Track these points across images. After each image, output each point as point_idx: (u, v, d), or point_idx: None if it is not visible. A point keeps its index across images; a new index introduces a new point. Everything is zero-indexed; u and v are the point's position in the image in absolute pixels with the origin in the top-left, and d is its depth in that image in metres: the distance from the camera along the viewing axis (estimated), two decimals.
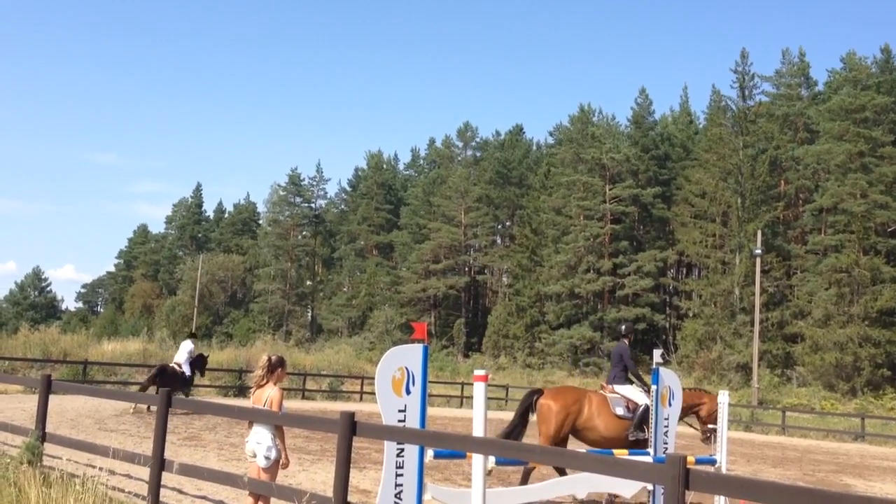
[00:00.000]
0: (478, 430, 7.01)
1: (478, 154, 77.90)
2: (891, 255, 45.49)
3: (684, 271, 61.79)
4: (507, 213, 71.36)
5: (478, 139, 78.93)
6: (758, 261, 41.86)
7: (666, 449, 9.75)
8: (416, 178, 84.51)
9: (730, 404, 32.13)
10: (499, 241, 73.09)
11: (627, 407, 11.00)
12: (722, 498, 8.87)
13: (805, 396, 40.88)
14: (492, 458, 7.71)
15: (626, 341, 11.87)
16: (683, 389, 11.70)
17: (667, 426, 9.85)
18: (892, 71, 56.77)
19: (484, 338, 60.45)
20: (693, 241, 50.99)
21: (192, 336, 22.90)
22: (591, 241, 56.09)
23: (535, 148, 78.33)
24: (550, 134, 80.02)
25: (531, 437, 10.79)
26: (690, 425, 12.02)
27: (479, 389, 7.17)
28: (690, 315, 51.53)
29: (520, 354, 55.19)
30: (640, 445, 10.95)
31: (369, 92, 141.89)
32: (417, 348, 7.58)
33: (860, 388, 41.43)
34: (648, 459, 8.75)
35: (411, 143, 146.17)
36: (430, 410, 29.34)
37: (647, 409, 10.85)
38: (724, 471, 9.16)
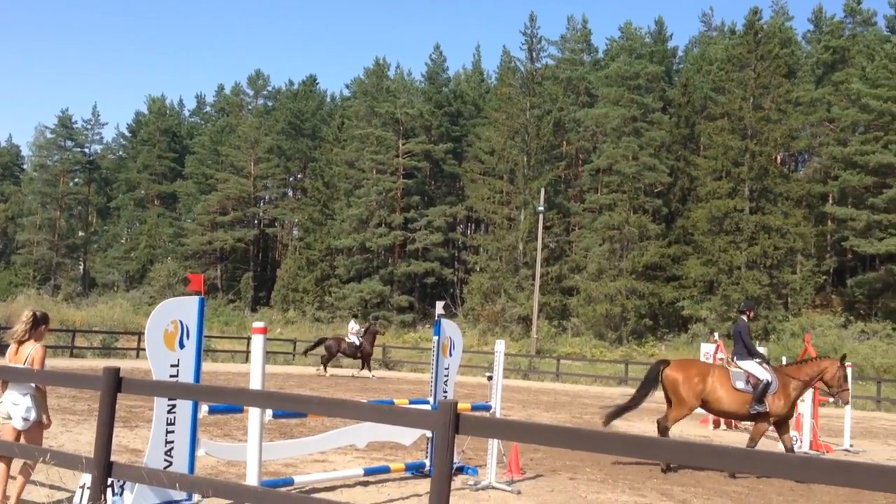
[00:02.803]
0: (255, 383, 6.76)
1: (269, 104, 75.62)
2: (656, 214, 49.30)
3: (473, 227, 63.72)
4: (299, 165, 70.07)
5: (269, 88, 76.59)
6: (540, 217, 43.97)
7: (445, 397, 9.92)
8: (203, 126, 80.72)
9: (510, 354, 33.36)
10: (290, 193, 71.68)
11: (748, 381, 11.33)
12: (495, 441, 9.17)
13: (578, 345, 43.76)
14: (269, 411, 7.46)
15: (747, 317, 12.12)
16: (806, 360, 12.31)
17: (447, 375, 10.02)
18: (664, 42, 61.10)
19: (273, 291, 59.38)
20: (482, 198, 52.54)
21: None
22: (383, 196, 56.37)
23: (329, 100, 77.17)
24: (346, 86, 79.21)
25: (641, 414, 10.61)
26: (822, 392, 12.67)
27: (257, 342, 6.93)
28: (477, 269, 53.31)
29: (309, 308, 54.77)
30: (759, 418, 11.43)
31: (151, 33, 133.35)
32: (193, 300, 7.21)
33: (626, 336, 44.92)
34: (428, 408, 8.84)
35: (197, 89, 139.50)
36: (215, 366, 28.52)
37: (767, 384, 11.23)
38: (498, 416, 9.46)
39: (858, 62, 49.86)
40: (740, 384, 11.34)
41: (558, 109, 54.92)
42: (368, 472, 9.18)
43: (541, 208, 43.64)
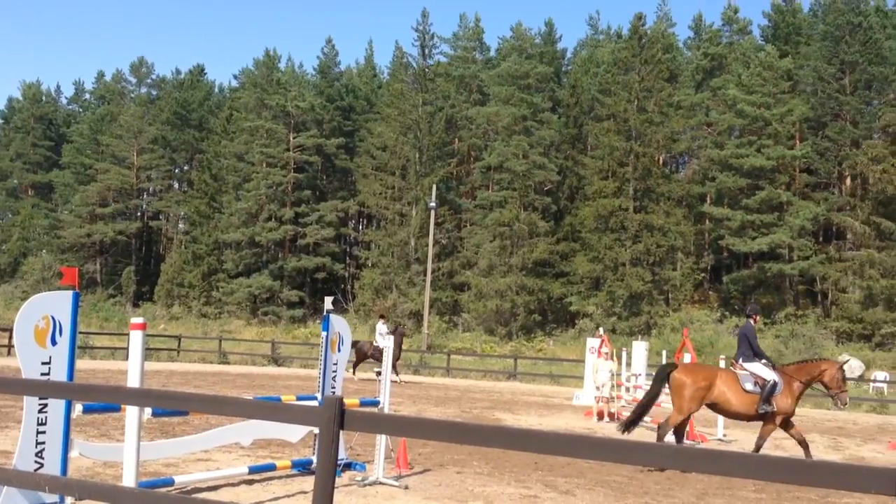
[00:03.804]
0: (133, 381, 6.50)
1: (153, 92, 73.13)
2: (546, 212, 50.34)
3: (364, 222, 63.44)
4: (186, 156, 68.04)
5: (154, 76, 74.08)
6: (432, 214, 44.18)
7: (334, 393, 9.83)
8: (82, 114, 77.28)
9: (402, 350, 32.96)
10: (176, 185, 69.53)
11: (756, 383, 11.48)
12: (383, 437, 9.14)
13: (469, 341, 44.26)
14: (148, 410, 7.22)
15: (753, 321, 12.34)
16: (806, 361, 12.55)
17: (335, 371, 9.92)
18: (553, 43, 62.42)
19: (156, 286, 57.46)
20: (373, 193, 52.39)
21: None
22: (273, 190, 55.38)
23: (217, 91, 75.22)
24: (235, 77, 77.46)
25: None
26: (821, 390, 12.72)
27: (135, 338, 6.67)
28: (369, 265, 53.12)
29: (195, 304, 53.28)
30: (767, 418, 11.59)
31: (25, 14, 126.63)
32: (66, 295, 6.90)
33: (515, 331, 45.71)
34: (315, 404, 8.74)
35: (75, 75, 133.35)
36: (94, 363, 27.36)
37: (774, 384, 11.40)
38: (386, 411, 9.44)
39: (735, 69, 52.24)
40: (749, 386, 11.65)
41: (450, 106, 55.33)
42: (253, 469, 9.01)
43: (432, 204, 43.86)
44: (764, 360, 11.95)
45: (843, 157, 47.67)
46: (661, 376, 12.08)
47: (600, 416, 17.91)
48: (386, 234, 51.20)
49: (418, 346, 41.15)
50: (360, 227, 62.93)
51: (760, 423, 12.01)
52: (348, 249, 60.64)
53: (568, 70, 63.40)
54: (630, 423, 12.01)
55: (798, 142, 48.34)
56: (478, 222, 51.77)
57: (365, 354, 26.36)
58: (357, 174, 56.74)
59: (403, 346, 28.10)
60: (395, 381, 25.70)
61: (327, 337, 9.73)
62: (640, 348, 22.26)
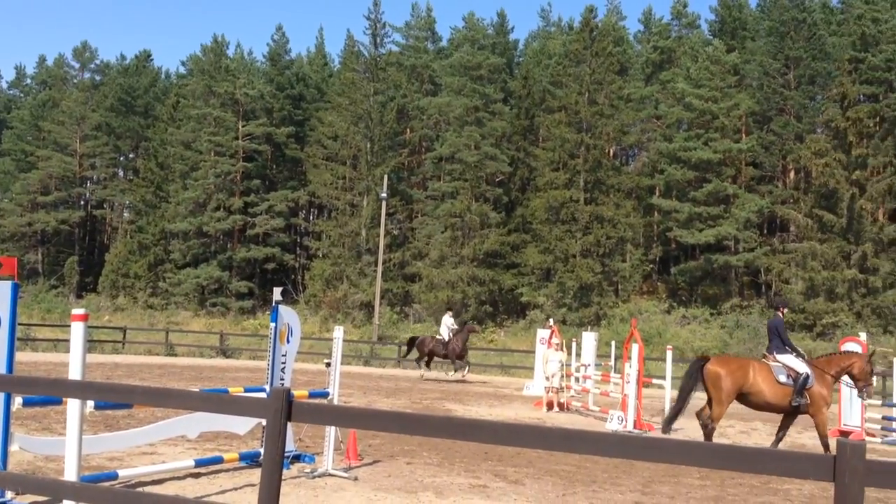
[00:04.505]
0: (74, 373, 6.37)
1: (97, 78, 71.46)
2: (497, 203, 50.48)
3: (315, 212, 62.94)
4: (131, 144, 66.67)
5: (97, 62, 72.38)
6: (383, 204, 44.00)
7: (283, 385, 9.75)
8: (23, 99, 75.24)
9: (352, 340, 33.24)
10: (121, 173, 68.15)
11: (789, 375, 11.57)
12: (333, 428, 9.10)
13: (420, 331, 44.15)
14: (90, 403, 7.08)
15: (781, 314, 12.37)
16: (834, 354, 12.64)
17: (284, 363, 9.85)
18: (505, 34, 62.55)
19: (101, 277, 56.29)
20: (324, 183, 51.95)
21: None
22: (222, 179, 54.60)
23: (163, 77, 73.83)
24: (183, 63, 76.04)
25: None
26: (846, 384, 12.90)
27: (77, 330, 6.54)
28: (319, 255, 52.75)
29: (141, 294, 52.33)
30: (800, 411, 11.74)
31: None
32: (4, 286, 6.75)
33: (467, 322, 45.77)
34: (263, 396, 8.65)
35: (16, 59, 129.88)
36: (35, 356, 26.78)
37: (807, 376, 11.48)
38: (336, 403, 9.40)
39: (683, 63, 52.93)
40: (782, 378, 11.78)
41: (402, 96, 55.12)
42: (200, 462, 8.92)
43: (384, 195, 43.70)
44: (795, 353, 12.12)
45: (788, 151, 48.69)
46: (695, 370, 12.19)
47: (550, 406, 18.07)
48: (337, 225, 50.84)
49: (369, 336, 41.05)
50: (311, 217, 62.43)
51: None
52: (299, 240, 60.14)
53: (520, 61, 63.60)
54: (670, 421, 12.21)
55: (744, 135, 49.20)
56: (429, 213, 51.72)
57: (428, 350, 25.08)
58: (307, 164, 56.20)
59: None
60: (460, 378, 25.11)
61: (276, 328, 9.65)
62: (589, 339, 22.48)
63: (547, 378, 18.39)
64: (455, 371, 25.19)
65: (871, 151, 41.80)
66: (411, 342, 26.75)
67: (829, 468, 3.36)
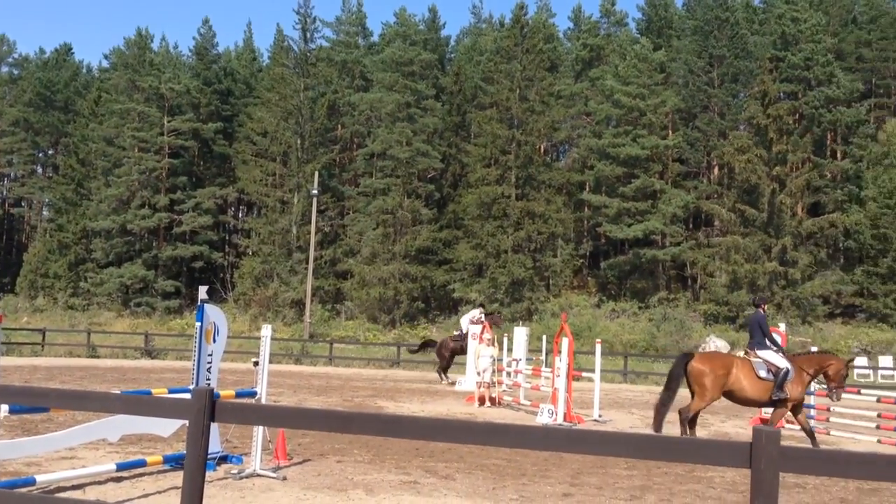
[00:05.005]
0: None
1: (15, 72, 69.06)
2: (429, 199, 50.52)
3: (245, 209, 62.00)
4: (50, 140, 64.59)
5: (16, 55, 69.97)
6: (314, 201, 43.59)
7: (209, 384, 9.55)
8: None
9: (283, 339, 32.73)
10: (39, 170, 65.99)
11: (769, 370, 11.81)
12: (260, 428, 8.96)
13: (352, 329, 44.01)
14: (4, 407, 6.82)
15: (762, 310, 12.68)
16: (812, 353, 13.10)
17: (210, 362, 9.64)
18: (437, 30, 62.60)
19: (18, 277, 54.38)
20: (254, 180, 51.16)
21: None
22: (146, 175, 53.26)
23: (85, 71, 71.70)
24: (105, 57, 74.04)
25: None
26: (820, 383, 13.17)
27: None
28: (249, 253, 51.97)
29: (61, 295, 50.68)
30: (781, 404, 12.01)
31: None
32: None
33: (399, 319, 45.76)
34: (187, 396, 8.45)
35: None
36: None
37: (787, 371, 11.74)
38: (264, 402, 9.24)
39: (612, 60, 53.82)
40: (763, 373, 12.06)
41: (333, 92, 54.66)
42: (122, 466, 8.67)
43: (315, 192, 43.28)
44: (776, 349, 12.41)
45: (712, 148, 49.97)
46: (680, 367, 12.38)
47: (482, 401, 18.14)
48: (267, 222, 50.14)
49: (300, 334, 40.65)
50: (240, 214, 61.46)
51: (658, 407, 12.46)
52: (227, 237, 59.17)
53: (451, 58, 63.73)
54: (660, 423, 12.34)
55: (670, 132, 50.34)
56: (361, 210, 51.43)
57: (450, 351, 23.67)
58: (236, 160, 55.27)
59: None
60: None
61: (202, 327, 9.46)
62: (520, 334, 22.66)
63: (478, 373, 18.46)
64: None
65: (790, 148, 43.17)
66: (424, 345, 26.01)
67: (746, 455, 3.42)
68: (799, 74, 47.48)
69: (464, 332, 23.89)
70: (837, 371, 12.47)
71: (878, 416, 14.59)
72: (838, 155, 50.82)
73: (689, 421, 12.29)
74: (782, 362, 12.18)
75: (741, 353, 13.15)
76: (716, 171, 53.26)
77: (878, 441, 13.83)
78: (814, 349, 16.79)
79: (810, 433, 12.53)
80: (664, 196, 47.14)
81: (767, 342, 12.42)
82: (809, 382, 12.66)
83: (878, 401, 15.17)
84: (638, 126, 48.06)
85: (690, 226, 52.08)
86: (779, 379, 12.01)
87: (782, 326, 18.03)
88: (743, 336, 38.66)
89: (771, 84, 44.64)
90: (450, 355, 24.17)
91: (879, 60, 51.48)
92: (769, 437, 3.40)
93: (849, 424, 14.77)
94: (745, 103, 50.49)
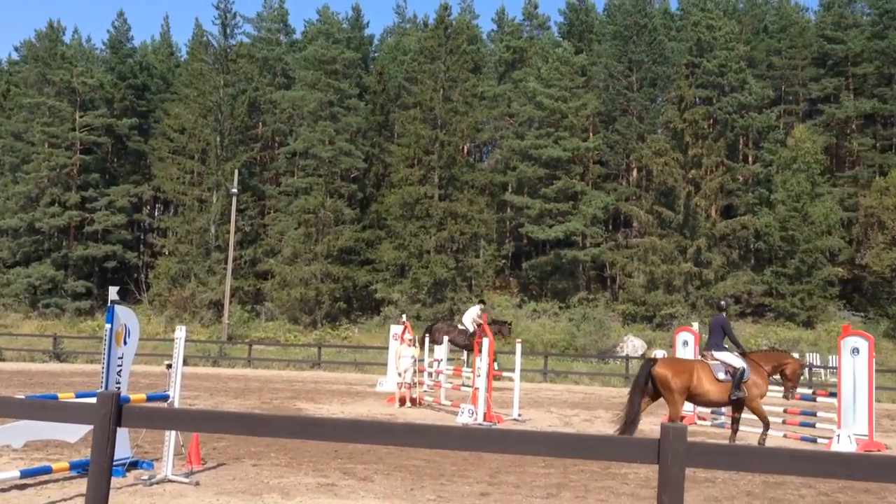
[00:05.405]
0: None
1: None
2: (352, 199, 50.15)
3: (161, 208, 60.45)
4: None
5: None
6: (234, 200, 42.82)
7: (119, 388, 9.25)
8: None
9: (199, 341, 32.12)
10: None
11: (727, 371, 12.11)
12: (172, 432, 8.72)
13: (272, 330, 43.38)
14: None
15: (725, 314, 13.26)
16: (770, 351, 13.51)
17: (120, 365, 9.35)
18: (360, 29, 62.24)
19: None
20: (171, 178, 49.86)
21: None
22: (56, 172, 51.30)
23: None
24: (15, 49, 71.12)
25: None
26: (777, 381, 13.52)
27: None
28: (165, 253, 50.66)
29: None
30: (739, 404, 12.36)
31: None
32: None
33: (320, 320, 45.32)
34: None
35: None
36: None
37: (743, 371, 11.99)
38: (177, 405, 9.00)
39: (535, 63, 54.42)
40: (721, 375, 12.34)
41: (254, 89, 53.77)
42: (26, 473, 8.35)
43: (234, 190, 42.50)
44: (738, 351, 12.79)
45: (631, 150, 51.05)
46: (645, 372, 12.46)
47: (402, 401, 18.10)
48: (184, 221, 48.95)
49: (218, 336, 39.87)
50: (156, 213, 59.86)
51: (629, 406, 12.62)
52: (142, 237, 57.57)
53: (375, 57, 63.45)
54: (630, 427, 12.23)
55: (591, 134, 51.19)
56: (282, 209, 50.74)
57: (447, 337, 22.65)
58: (153, 157, 53.80)
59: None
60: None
61: (112, 329, 9.17)
62: None
63: (399, 374, 18.42)
64: (469, 365, 23.58)
65: (705, 151, 44.40)
66: (427, 330, 24.47)
67: (654, 451, 3.47)
68: (713, 80, 48.89)
69: (470, 330, 23.82)
70: (794, 371, 13.00)
71: (785, 411, 15.13)
72: (750, 159, 52.52)
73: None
74: (738, 362, 12.54)
75: (698, 357, 13.59)
76: (635, 173, 54.43)
77: (785, 436, 14.34)
78: (765, 347, 17.47)
79: (766, 423, 12.98)
80: (585, 198, 47.91)
81: (727, 344, 12.83)
82: (768, 378, 13.07)
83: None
84: (560, 128, 48.70)
85: (610, 227, 53.08)
86: (736, 379, 12.38)
87: (695, 325, 18.53)
88: (659, 335, 39.70)
89: (687, 89, 45.84)
90: (449, 340, 23.28)
91: (788, 68, 53.45)
92: (676, 433, 3.45)
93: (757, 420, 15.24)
94: (662, 107, 51.72)
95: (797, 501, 8.86)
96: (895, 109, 49.89)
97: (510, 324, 27.26)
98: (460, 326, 24.29)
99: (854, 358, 13.72)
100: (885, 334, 39.37)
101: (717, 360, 12.66)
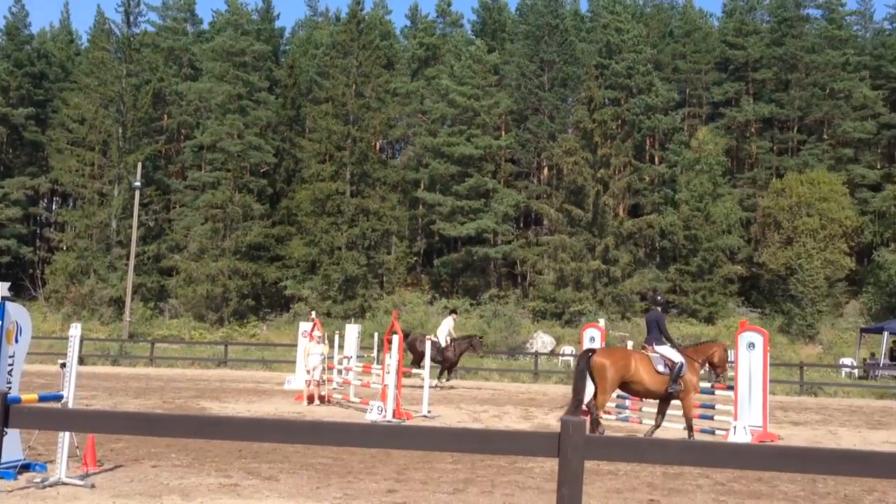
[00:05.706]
0: None
1: None
2: (261, 194, 49.25)
3: (59, 201, 58.12)
4: None
5: None
6: (137, 193, 41.47)
7: (10, 388, 8.81)
8: None
9: (99, 339, 31.11)
10: None
11: (666, 364, 12.37)
12: (66, 434, 8.35)
13: (176, 328, 42.24)
14: None
15: (660, 309, 13.60)
16: (700, 343, 13.96)
17: (12, 364, 8.91)
18: (271, 21, 61.17)
19: None
20: (69, 170, 47.93)
21: None
22: None
23: None
24: None
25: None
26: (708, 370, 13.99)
27: None
28: (63, 248, 48.72)
29: None
30: (676, 397, 12.88)
31: None
32: None
33: (227, 317, 44.38)
34: None
35: None
36: None
37: (682, 365, 12.43)
38: (71, 405, 8.62)
39: (448, 60, 54.61)
40: (660, 367, 12.63)
41: (158, 80, 52.20)
42: None
43: (137, 184, 41.18)
44: (672, 344, 13.06)
45: (542, 149, 51.76)
46: (584, 361, 12.66)
47: (311, 399, 17.87)
48: (83, 215, 47.13)
49: (118, 334, 38.58)
50: (54, 206, 57.53)
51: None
52: (38, 231, 55.25)
53: (286, 50, 62.48)
54: (577, 407, 12.37)
55: (503, 133, 51.69)
56: (188, 204, 49.47)
57: (420, 350, 21.62)
58: (50, 148, 51.64)
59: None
60: (442, 385, 23.15)
61: (2, 327, 8.73)
62: (352, 331, 22.60)
63: (308, 371, 18.18)
64: (441, 379, 23.41)
65: (613, 151, 45.38)
66: (409, 345, 23.49)
67: (555, 444, 3.48)
68: (622, 82, 50.03)
69: (442, 344, 23.50)
70: (721, 357, 13.47)
71: None
72: (656, 160, 54.02)
73: (596, 418, 12.79)
74: (677, 357, 12.86)
75: (640, 348, 13.90)
76: (545, 171, 55.24)
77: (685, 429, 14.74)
78: (593, 333, 18.03)
79: (690, 426, 13.24)
80: (496, 195, 48.34)
81: (663, 338, 13.07)
82: (700, 370, 13.51)
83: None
84: (472, 126, 49.01)
85: (521, 225, 53.73)
86: (674, 373, 12.70)
87: (602, 322, 18.89)
88: (567, 332, 40.38)
89: (596, 90, 46.75)
90: (420, 353, 21.82)
91: (693, 72, 55.16)
92: (575, 426, 3.47)
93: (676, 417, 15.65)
94: (572, 107, 52.64)
95: (695, 491, 9.11)
96: (791, 114, 52.08)
97: (482, 338, 26.80)
98: (432, 339, 23.45)
99: (750, 352, 14.25)
100: (779, 329, 41.12)
101: (657, 353, 12.99)
